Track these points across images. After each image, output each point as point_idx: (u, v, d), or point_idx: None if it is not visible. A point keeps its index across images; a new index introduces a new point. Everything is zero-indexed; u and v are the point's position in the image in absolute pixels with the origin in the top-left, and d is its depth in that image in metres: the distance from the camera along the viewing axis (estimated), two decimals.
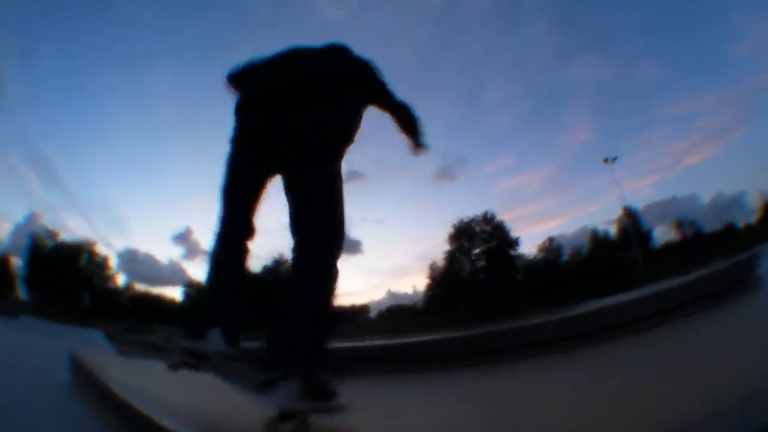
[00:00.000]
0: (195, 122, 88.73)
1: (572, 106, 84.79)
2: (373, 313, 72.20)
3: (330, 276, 1.82)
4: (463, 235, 54.78)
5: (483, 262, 53.73)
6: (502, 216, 55.33)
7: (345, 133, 2.05)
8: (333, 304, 1.80)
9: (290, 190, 1.99)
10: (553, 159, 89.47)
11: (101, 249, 58.06)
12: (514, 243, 54.15)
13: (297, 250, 1.91)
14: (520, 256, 54.74)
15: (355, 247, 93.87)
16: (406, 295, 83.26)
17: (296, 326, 1.66)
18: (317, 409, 1.54)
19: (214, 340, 1.71)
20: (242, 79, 2.16)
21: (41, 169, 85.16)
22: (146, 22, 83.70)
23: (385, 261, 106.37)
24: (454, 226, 54.97)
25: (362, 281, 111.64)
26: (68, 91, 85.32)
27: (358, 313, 67.11)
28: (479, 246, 54.30)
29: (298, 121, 1.88)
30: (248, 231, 2.01)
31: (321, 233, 1.90)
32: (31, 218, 60.44)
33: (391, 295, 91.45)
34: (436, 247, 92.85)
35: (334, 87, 2.03)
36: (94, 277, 55.68)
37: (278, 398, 1.44)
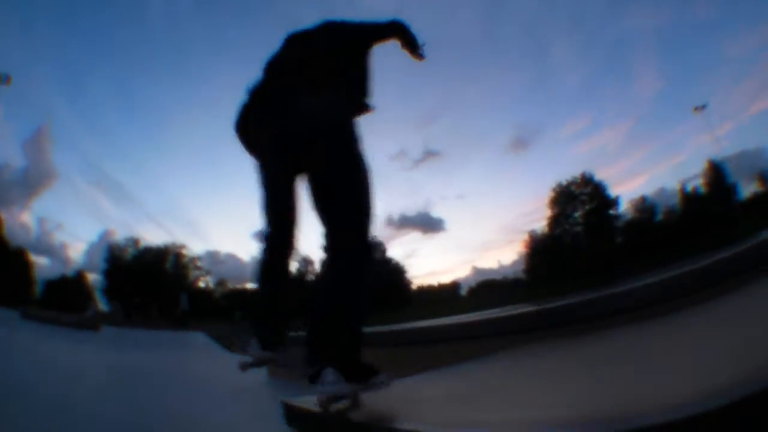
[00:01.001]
0: None
1: (636, 56, 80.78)
2: (463, 291, 71.41)
3: (353, 274, 1.76)
4: (564, 198, 52.63)
5: (580, 227, 51.64)
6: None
7: (344, 101, 1.93)
8: (360, 302, 1.77)
9: (308, 184, 1.94)
10: (627, 115, 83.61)
11: (188, 251, 58.45)
12: (613, 203, 51.41)
13: (324, 248, 1.85)
14: (619, 217, 52.00)
15: (439, 226, 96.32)
16: (491, 270, 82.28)
17: (322, 331, 1.71)
18: (359, 389, 1.68)
19: (254, 348, 1.94)
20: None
21: (109, 188, 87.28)
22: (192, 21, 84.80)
23: (469, 237, 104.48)
24: (554, 189, 53.07)
25: (448, 259, 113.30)
26: (125, 106, 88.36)
27: (447, 291, 66.59)
28: (579, 209, 52.10)
29: (286, 107, 1.87)
30: (286, 246, 2.06)
31: (341, 229, 1.82)
32: (104, 235, 61.46)
33: (477, 271, 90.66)
34: (519, 219, 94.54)
35: (310, 62, 1.96)
36: (182, 279, 55.30)
37: (324, 387, 1.56)
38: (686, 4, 73.54)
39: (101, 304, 49.13)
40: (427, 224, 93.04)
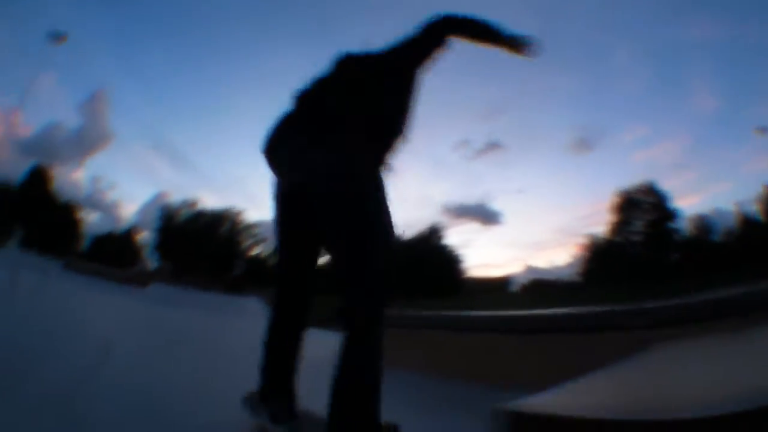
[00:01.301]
0: None
1: (697, 71, 74.13)
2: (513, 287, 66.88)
3: (359, 352, 1.54)
4: (628, 205, 50.41)
5: (640, 236, 49.44)
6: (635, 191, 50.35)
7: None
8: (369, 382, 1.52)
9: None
10: (685, 129, 78.51)
11: (244, 218, 56.72)
12: (672, 215, 49.08)
13: None
14: (678, 231, 49.42)
15: (496, 218, 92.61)
16: (543, 270, 79.90)
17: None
18: None
19: (263, 419, 1.78)
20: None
21: (167, 152, 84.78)
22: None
23: (524, 233, 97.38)
24: (618, 195, 50.91)
25: (501, 253, 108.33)
26: (187, 77, 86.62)
27: (496, 285, 63.69)
28: (641, 218, 49.79)
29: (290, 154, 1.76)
30: (299, 321, 1.88)
31: (348, 304, 1.59)
32: (158, 197, 60.70)
33: (529, 269, 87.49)
34: (574, 222, 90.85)
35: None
36: (236, 245, 54.15)
37: None
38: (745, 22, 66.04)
39: (152, 262, 50.18)
40: (485, 216, 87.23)
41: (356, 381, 1.51)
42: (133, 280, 11.50)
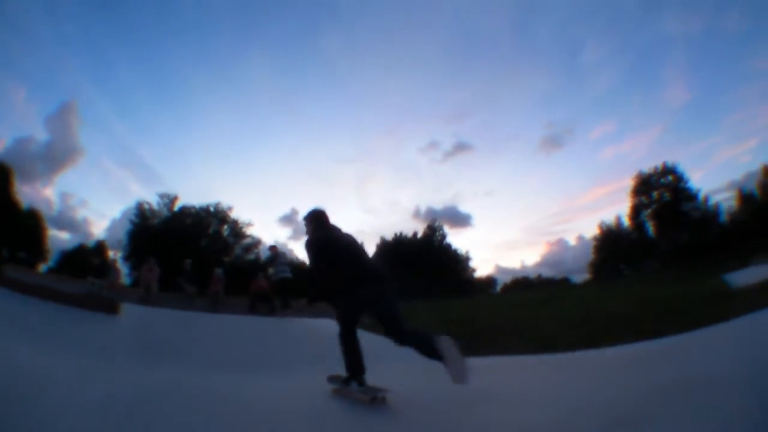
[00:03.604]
0: (291, 106, 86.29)
1: (667, 64, 77.31)
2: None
3: None
4: (646, 187, 47.70)
5: (654, 220, 47.04)
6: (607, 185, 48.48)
7: None
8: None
9: None
10: (656, 122, 79.47)
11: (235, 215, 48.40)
12: (693, 196, 46.14)
13: None
14: (692, 211, 46.14)
15: (466, 221, 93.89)
16: (514, 270, 78.86)
17: None
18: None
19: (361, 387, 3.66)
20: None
21: (137, 169, 80.00)
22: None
23: (494, 235, 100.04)
24: (637, 177, 48.25)
25: (473, 256, 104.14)
26: (154, 88, 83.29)
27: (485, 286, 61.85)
28: (655, 200, 47.19)
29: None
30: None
31: None
32: (126, 213, 53.67)
33: (500, 269, 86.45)
34: (543, 221, 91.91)
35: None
36: (228, 247, 45.90)
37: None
38: (721, 14, 67.74)
39: (124, 276, 40.54)
40: (455, 219, 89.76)
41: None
42: (91, 303, 7.44)
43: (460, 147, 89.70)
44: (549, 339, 7.20)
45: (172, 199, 45.06)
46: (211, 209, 45.81)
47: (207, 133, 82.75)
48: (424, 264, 48.61)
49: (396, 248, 52.25)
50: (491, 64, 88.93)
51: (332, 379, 4.04)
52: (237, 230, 46.38)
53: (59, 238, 53.00)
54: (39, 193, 59.95)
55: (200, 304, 11.48)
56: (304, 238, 3.95)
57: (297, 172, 79.25)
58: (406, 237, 55.38)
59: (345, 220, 64.89)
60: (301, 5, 79.35)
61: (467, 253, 57.20)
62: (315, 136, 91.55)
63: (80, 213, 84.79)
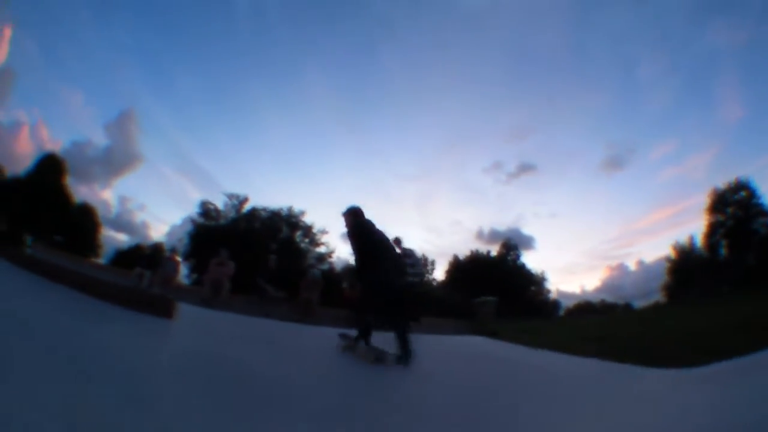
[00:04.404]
0: (350, 123, 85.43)
1: (718, 79, 73.52)
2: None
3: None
4: (722, 204, 44.13)
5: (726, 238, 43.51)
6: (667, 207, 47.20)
7: None
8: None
9: None
10: (713, 140, 75.62)
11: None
12: (766, 212, 42.13)
13: None
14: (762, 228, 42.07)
15: (529, 244, 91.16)
16: (574, 295, 75.49)
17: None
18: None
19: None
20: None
21: (196, 176, 79.14)
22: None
23: (556, 258, 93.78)
24: (712, 194, 45.07)
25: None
26: (212, 99, 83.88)
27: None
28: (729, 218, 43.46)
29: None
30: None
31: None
32: (187, 220, 49.39)
33: (560, 293, 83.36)
34: (603, 245, 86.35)
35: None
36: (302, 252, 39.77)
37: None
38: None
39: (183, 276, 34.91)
40: (518, 241, 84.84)
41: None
42: (139, 299, 5.11)
43: (524, 168, 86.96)
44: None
45: (242, 201, 40.62)
46: (283, 213, 40.80)
47: (266, 147, 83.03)
48: (498, 283, 45.80)
49: (470, 266, 50.22)
50: (549, 83, 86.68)
51: (343, 337, 5.21)
52: (311, 237, 40.82)
53: (116, 238, 53.21)
54: (97, 195, 61.25)
55: (286, 312, 9.31)
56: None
57: (358, 189, 77.44)
58: (481, 255, 53.41)
59: (407, 237, 62.41)
60: (358, 23, 78.99)
61: (542, 273, 54.57)
62: (376, 153, 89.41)
63: (139, 216, 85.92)
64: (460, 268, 51.88)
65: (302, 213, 40.88)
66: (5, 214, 31.02)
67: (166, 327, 4.68)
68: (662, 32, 70.84)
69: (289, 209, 41.05)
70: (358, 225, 4.64)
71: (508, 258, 53.56)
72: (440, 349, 6.84)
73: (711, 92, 75.10)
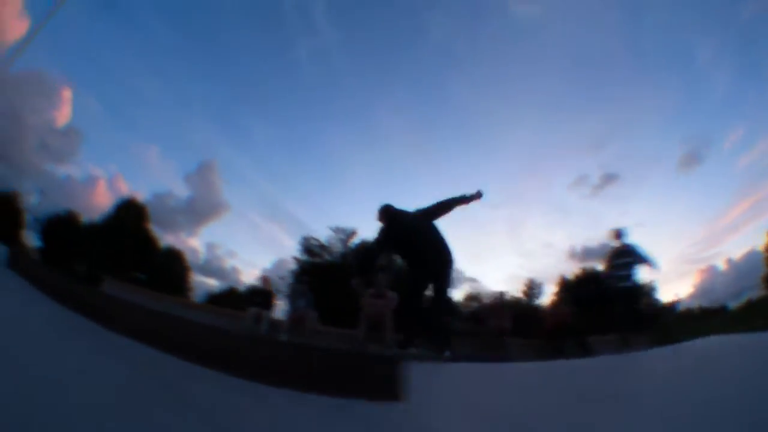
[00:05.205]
0: (428, 157, 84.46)
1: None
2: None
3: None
4: None
5: None
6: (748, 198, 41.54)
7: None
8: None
9: None
10: None
11: None
12: None
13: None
14: None
15: None
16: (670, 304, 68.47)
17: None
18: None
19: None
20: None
21: (285, 222, 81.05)
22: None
23: (646, 269, 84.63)
24: None
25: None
26: (295, 148, 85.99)
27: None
28: None
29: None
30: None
31: None
32: (277, 263, 47.35)
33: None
34: (689, 248, 75.71)
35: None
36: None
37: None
38: None
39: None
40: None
41: None
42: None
43: (607, 178, 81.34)
44: None
45: (349, 234, 37.36)
46: None
47: (348, 185, 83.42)
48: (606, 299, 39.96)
49: (579, 285, 45.99)
50: (612, 86, 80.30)
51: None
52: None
53: (206, 283, 53.20)
54: (184, 243, 61.03)
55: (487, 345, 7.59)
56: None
57: (446, 221, 75.72)
58: (590, 272, 48.26)
59: (500, 265, 63.97)
60: (420, 55, 78.10)
61: (651, 282, 47.99)
62: (457, 183, 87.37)
63: (228, 262, 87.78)
64: (570, 288, 46.57)
65: None
66: (83, 258, 30.68)
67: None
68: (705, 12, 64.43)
69: None
70: (390, 223, 4.51)
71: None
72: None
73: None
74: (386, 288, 6.61)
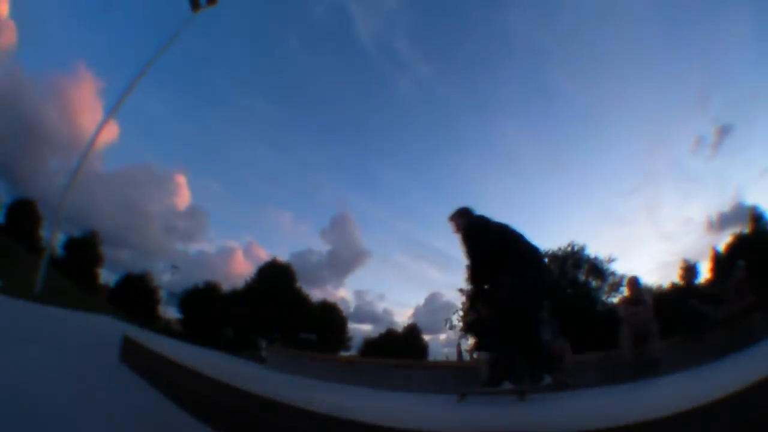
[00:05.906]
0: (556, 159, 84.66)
1: None
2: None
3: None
4: None
5: None
6: None
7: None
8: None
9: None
10: None
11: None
12: None
13: None
14: None
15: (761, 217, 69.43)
16: None
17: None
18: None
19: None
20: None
21: (431, 257, 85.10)
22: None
23: None
24: None
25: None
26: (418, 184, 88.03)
27: None
28: None
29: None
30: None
31: None
32: (431, 297, 59.46)
33: None
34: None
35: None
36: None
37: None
38: None
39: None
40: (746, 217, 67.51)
41: None
42: None
43: (722, 131, 76.34)
44: None
45: None
46: (559, 253, 30.79)
47: (482, 205, 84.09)
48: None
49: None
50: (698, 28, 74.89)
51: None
52: (598, 270, 29.77)
53: (361, 329, 55.57)
54: (332, 295, 65.11)
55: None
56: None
57: (587, 221, 78.41)
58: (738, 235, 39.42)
59: (642, 255, 64.44)
60: (522, 66, 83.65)
61: None
62: (588, 180, 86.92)
63: (379, 306, 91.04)
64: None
65: (580, 248, 29.87)
66: (228, 323, 32.54)
67: None
68: None
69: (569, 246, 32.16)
70: (472, 226, 3.88)
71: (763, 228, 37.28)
72: None
73: None
74: (640, 289, 4.79)
